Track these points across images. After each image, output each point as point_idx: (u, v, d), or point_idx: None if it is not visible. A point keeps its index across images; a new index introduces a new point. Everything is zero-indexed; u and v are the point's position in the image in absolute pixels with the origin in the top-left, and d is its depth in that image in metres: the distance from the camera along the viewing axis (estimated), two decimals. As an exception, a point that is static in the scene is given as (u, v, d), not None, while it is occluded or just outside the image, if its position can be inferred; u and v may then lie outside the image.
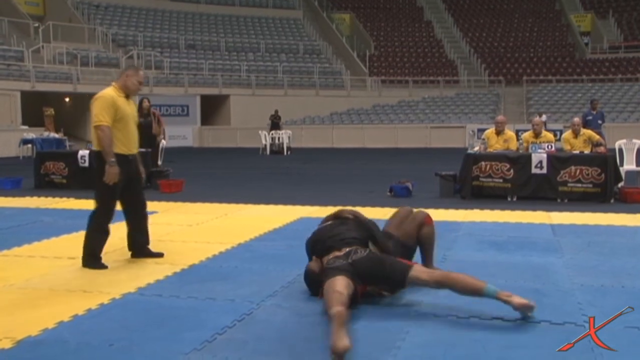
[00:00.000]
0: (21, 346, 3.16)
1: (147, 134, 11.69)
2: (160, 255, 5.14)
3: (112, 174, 4.71)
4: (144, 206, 5.16)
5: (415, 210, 4.61)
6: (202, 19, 33.89)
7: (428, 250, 4.41)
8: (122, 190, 4.90)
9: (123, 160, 4.83)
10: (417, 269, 3.76)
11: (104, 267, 4.78)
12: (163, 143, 12.45)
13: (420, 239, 4.35)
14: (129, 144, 4.94)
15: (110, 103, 4.79)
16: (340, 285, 3.45)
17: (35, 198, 9.19)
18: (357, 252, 3.80)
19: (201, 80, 28.82)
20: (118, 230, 6.52)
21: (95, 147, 4.92)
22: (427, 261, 4.40)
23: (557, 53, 34.59)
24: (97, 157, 4.88)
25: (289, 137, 22.36)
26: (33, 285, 4.35)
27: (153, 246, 5.70)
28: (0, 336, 3.27)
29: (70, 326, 3.47)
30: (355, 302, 3.60)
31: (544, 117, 23.42)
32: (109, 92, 4.87)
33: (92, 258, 4.80)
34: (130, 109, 5.01)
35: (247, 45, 32.92)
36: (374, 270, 3.71)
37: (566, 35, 36.20)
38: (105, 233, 4.89)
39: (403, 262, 3.81)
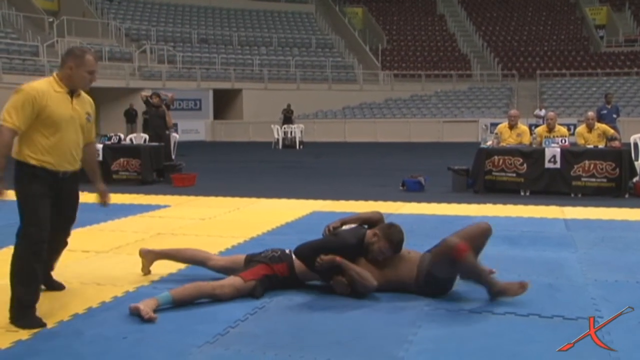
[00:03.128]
0: (37, 337, 3.20)
1: (156, 128, 11.70)
2: (61, 287, 4.07)
3: None
4: (62, 242, 3.95)
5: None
6: (214, 13, 33.92)
7: None
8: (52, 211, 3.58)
9: (49, 175, 3.53)
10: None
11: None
12: (175, 137, 12.51)
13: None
14: (61, 156, 3.56)
15: (31, 101, 3.43)
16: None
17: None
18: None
19: (214, 75, 28.87)
20: (127, 224, 6.57)
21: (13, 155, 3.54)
22: None
23: (572, 47, 34.27)
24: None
25: (301, 131, 22.36)
26: (48, 277, 4.39)
27: (165, 240, 5.74)
28: (17, 327, 3.32)
29: (85, 318, 3.51)
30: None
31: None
32: (38, 86, 3.52)
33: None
34: (73, 109, 3.61)
35: (259, 39, 32.92)
36: None
37: (581, 28, 35.84)
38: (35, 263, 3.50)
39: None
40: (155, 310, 3.52)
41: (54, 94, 3.53)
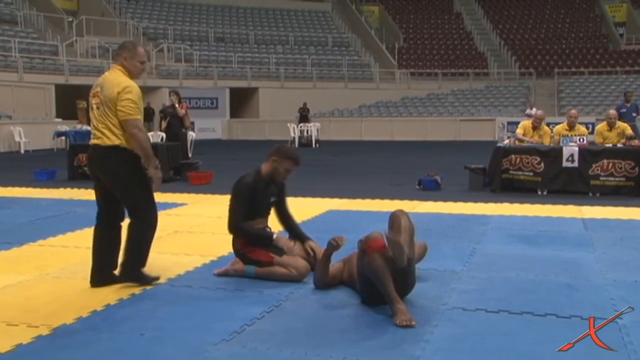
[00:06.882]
0: (57, 333, 3.24)
1: (173, 127, 11.75)
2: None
3: (159, 177, 4.17)
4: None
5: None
6: (231, 12, 34.04)
7: None
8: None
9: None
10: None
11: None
12: (192, 135, 12.57)
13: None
14: None
15: (141, 96, 4.01)
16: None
17: (68, 189, 9.36)
18: None
19: (230, 73, 28.98)
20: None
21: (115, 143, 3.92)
22: None
23: (590, 44, 33.91)
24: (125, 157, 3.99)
25: (317, 130, 22.38)
26: (67, 274, 4.45)
27: (182, 238, 5.78)
28: (38, 323, 3.37)
29: (103, 315, 3.55)
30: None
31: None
32: (131, 81, 3.96)
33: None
34: None
35: (276, 38, 32.98)
36: None
37: (600, 26, 35.45)
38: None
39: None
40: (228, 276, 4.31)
41: None
